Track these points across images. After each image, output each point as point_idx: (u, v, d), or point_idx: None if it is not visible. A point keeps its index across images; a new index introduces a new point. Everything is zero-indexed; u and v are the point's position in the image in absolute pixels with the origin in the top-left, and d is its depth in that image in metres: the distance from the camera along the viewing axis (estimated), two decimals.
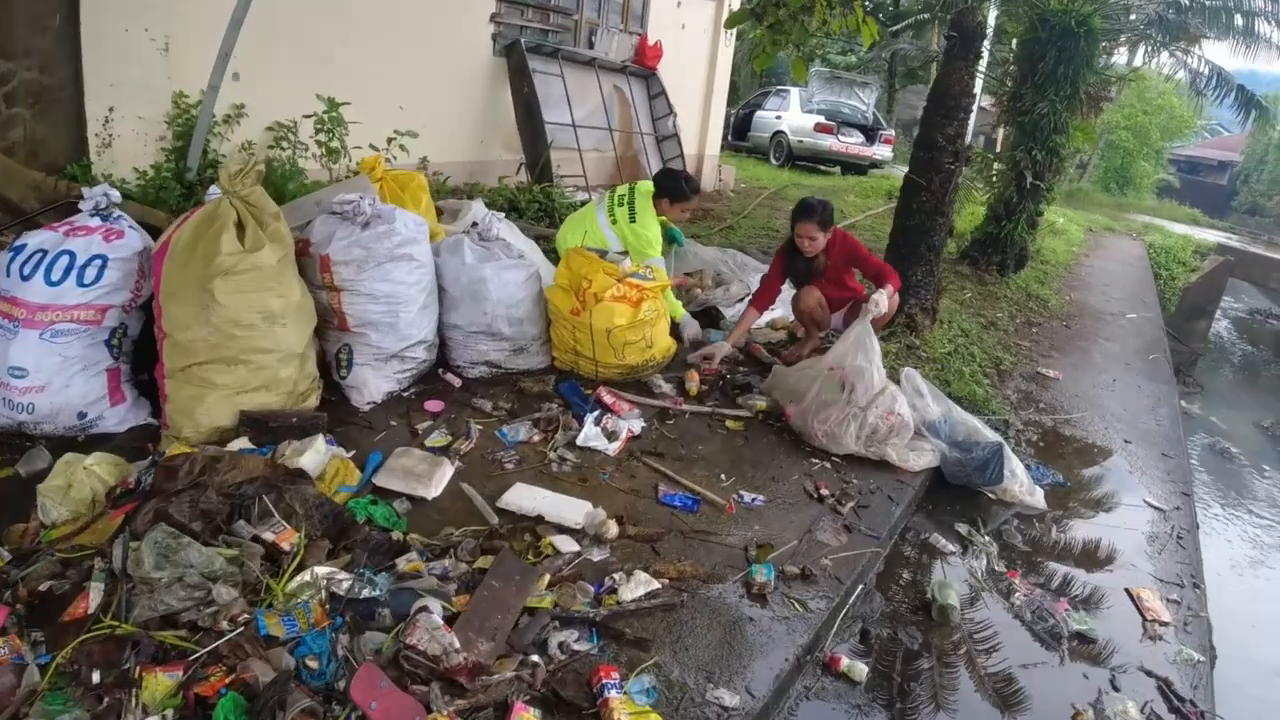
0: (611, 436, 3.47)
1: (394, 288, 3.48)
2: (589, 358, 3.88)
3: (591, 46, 8.72)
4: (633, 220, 4.75)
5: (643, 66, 9.23)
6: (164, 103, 5.21)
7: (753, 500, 3.26)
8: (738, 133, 16.85)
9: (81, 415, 3.02)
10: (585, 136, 8.18)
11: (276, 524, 2.37)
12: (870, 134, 15.80)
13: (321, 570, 2.24)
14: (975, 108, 5.39)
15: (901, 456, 3.81)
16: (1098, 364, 6.67)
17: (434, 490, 2.95)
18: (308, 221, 3.57)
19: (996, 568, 3.46)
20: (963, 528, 3.71)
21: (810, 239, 4.39)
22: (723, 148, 12.61)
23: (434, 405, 3.60)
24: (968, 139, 5.38)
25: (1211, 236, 18.48)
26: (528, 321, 3.92)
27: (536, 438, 3.44)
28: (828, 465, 3.71)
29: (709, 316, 5.17)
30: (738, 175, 12.24)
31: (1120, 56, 8.11)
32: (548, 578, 2.49)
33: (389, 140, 5.34)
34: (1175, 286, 13.72)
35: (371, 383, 3.54)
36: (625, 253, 4.64)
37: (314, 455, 2.87)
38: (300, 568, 2.26)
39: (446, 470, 3.06)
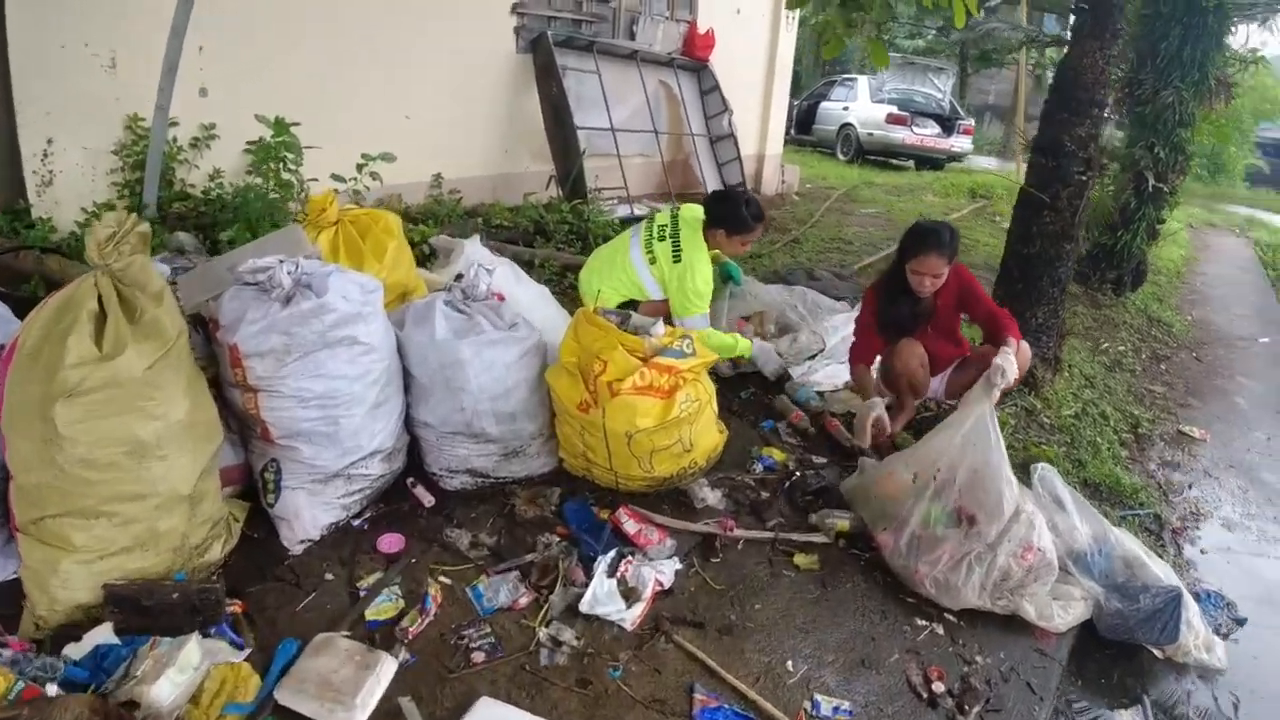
0: (630, 595, 2.45)
1: (330, 384, 2.50)
2: (604, 466, 2.86)
3: (633, 38, 7.67)
4: (676, 260, 3.73)
5: (693, 58, 8.14)
6: (114, 129, 4.39)
7: (835, 711, 2.21)
8: (801, 126, 15.64)
9: None
10: (627, 141, 7.16)
11: None
12: (947, 124, 14.44)
13: None
14: (1110, 101, 4.18)
15: (1042, 610, 2.71)
16: (1244, 414, 5.44)
17: (359, 714, 1.97)
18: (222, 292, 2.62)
19: None
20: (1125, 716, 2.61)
21: (934, 277, 3.32)
22: (785, 143, 11.49)
23: (391, 542, 2.62)
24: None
25: None
26: (523, 416, 2.91)
27: (524, 600, 2.43)
28: (938, 629, 2.63)
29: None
30: (802, 175, 11.08)
31: (1235, 36, 6.77)
32: None
33: (359, 166, 4.36)
34: None
35: (306, 513, 2.58)
36: (663, 309, 3.66)
37: (177, 676, 1.91)
38: None
39: (383, 672, 2.07)
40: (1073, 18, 4.20)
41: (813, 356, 4.14)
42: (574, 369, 2.81)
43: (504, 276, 3.55)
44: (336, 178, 4.29)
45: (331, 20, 5.17)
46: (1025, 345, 2.99)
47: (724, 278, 4.38)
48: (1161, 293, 7.92)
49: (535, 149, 6.71)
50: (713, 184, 8.05)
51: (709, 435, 2.96)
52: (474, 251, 3.62)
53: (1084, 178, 4.08)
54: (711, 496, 3.04)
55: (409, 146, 5.69)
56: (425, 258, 4.63)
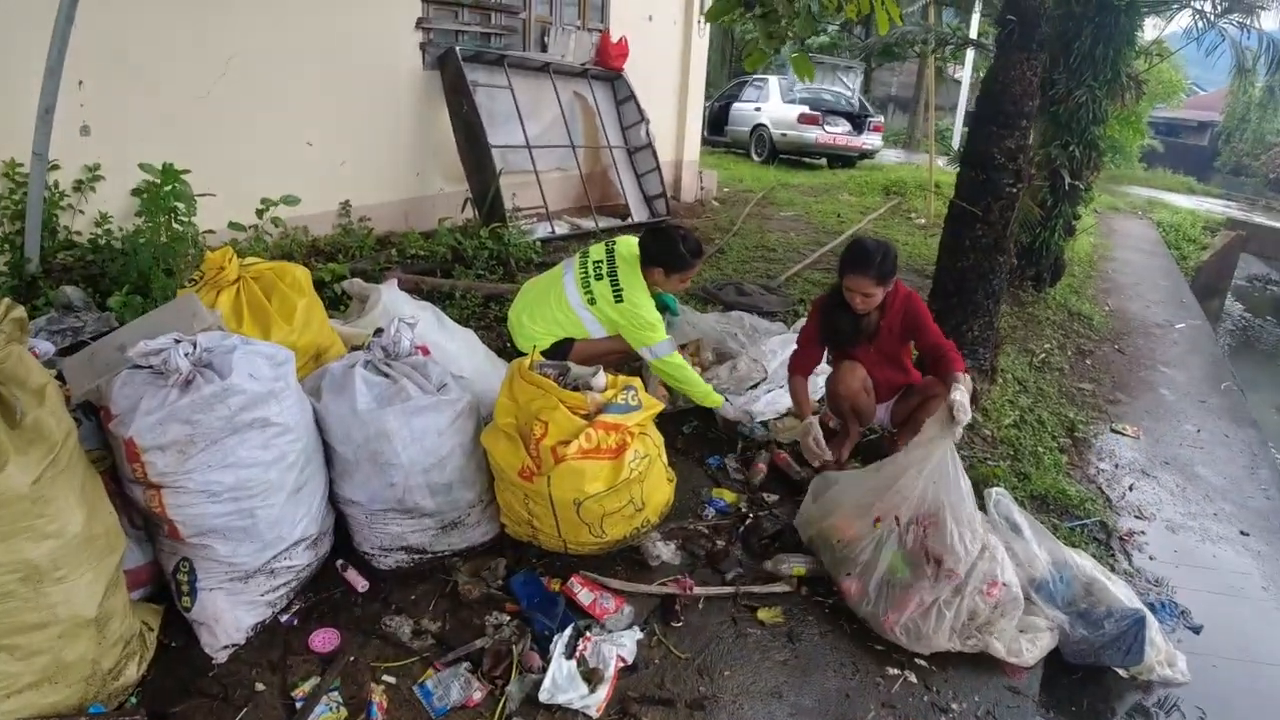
0: (592, 677, 2.27)
1: (243, 474, 2.25)
2: (551, 533, 2.67)
3: (545, 49, 7.45)
4: (618, 300, 3.54)
5: (606, 68, 7.96)
6: None
7: None
8: (714, 127, 15.57)
9: None
10: (543, 157, 6.95)
11: None
12: (858, 122, 14.55)
13: None
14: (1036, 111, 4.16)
15: (1011, 645, 2.64)
16: (1172, 406, 5.55)
17: None
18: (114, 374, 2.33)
19: None
20: None
21: (864, 295, 3.25)
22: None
23: (325, 639, 2.38)
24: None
25: (1215, 207, 17.63)
26: (459, 485, 2.69)
27: (478, 695, 2.21)
28: (911, 678, 2.53)
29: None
30: (719, 179, 11.00)
31: (1144, 31, 6.93)
32: None
33: (259, 212, 4.05)
34: (1188, 266, 12.83)
35: (227, 615, 2.31)
36: (603, 346, 3.49)
37: None
38: None
39: None
40: (997, 29, 4.16)
41: (754, 385, 4.01)
42: (512, 431, 2.61)
43: (427, 325, 3.31)
44: (235, 226, 3.97)
45: (218, 45, 4.83)
46: (968, 379, 2.91)
47: (660, 308, 4.21)
48: (1078, 284, 8.08)
49: (449, 170, 6.43)
50: (632, 196, 7.88)
51: (660, 490, 2.79)
52: (392, 300, 3.36)
53: (1014, 190, 4.05)
54: (666, 551, 2.87)
55: (313, 176, 5.41)
56: (338, 299, 4.35)
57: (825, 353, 3.63)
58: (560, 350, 3.60)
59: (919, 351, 3.40)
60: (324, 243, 5.39)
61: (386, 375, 2.68)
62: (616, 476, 2.52)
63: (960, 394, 2.77)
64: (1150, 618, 2.84)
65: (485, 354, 3.56)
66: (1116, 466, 4.45)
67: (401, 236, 5.55)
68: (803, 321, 3.78)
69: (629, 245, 3.68)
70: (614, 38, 7.99)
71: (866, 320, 3.40)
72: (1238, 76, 8.64)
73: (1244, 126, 30.61)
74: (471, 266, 5.41)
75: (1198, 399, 5.79)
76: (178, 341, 2.17)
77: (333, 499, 2.67)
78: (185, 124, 4.61)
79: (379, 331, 2.88)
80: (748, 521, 3.15)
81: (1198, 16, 6.42)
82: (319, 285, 4.52)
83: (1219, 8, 6.29)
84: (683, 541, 2.98)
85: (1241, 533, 4.01)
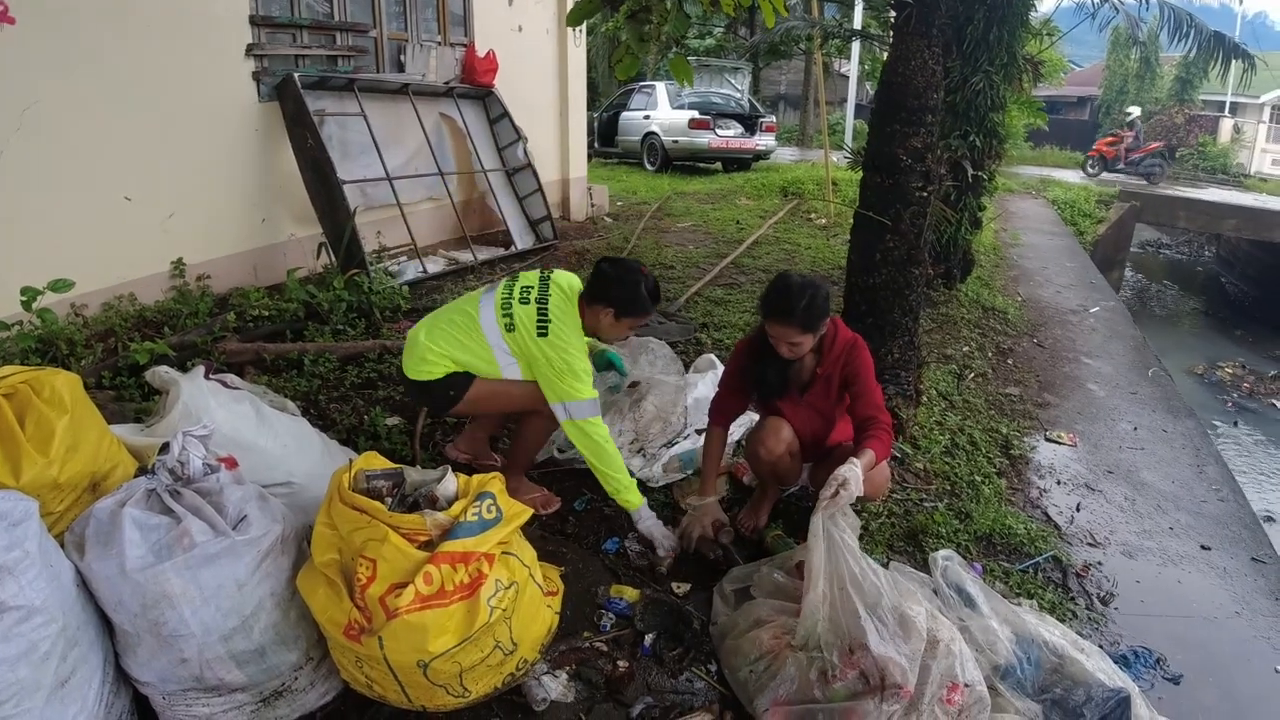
0: None
1: None
2: (399, 697, 2.05)
3: (402, 69, 6.77)
4: (542, 333, 2.83)
5: (475, 85, 7.33)
6: None
7: None
8: (604, 138, 15.07)
9: None
10: (408, 188, 6.29)
11: None
12: (749, 124, 14.21)
13: None
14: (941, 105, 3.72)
15: None
16: (1104, 403, 5.24)
17: None
18: None
19: None
20: None
21: (790, 344, 2.72)
22: (589, 158, 10.85)
23: None
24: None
25: (1106, 178, 18.02)
26: (276, 645, 2.06)
27: None
28: None
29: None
30: (611, 192, 10.47)
31: (1036, 10, 6.69)
32: None
33: (24, 303, 3.31)
34: (1085, 241, 12.93)
35: None
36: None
37: None
38: None
39: None
40: (893, 14, 3.71)
41: (671, 442, 3.45)
42: (334, 572, 1.98)
43: (242, 423, 2.66)
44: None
45: (10, 94, 4.07)
46: (885, 467, 2.43)
47: (602, 366, 3.49)
48: (987, 276, 7.83)
49: (299, 213, 5.71)
50: (514, 221, 7.27)
51: (537, 620, 2.20)
52: (193, 396, 2.65)
53: (925, 194, 3.60)
54: (554, 687, 2.28)
55: (136, 234, 4.69)
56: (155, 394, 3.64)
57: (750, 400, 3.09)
58: (453, 385, 2.92)
59: (851, 415, 2.86)
60: (153, 312, 4.64)
61: (168, 512, 2.03)
62: (472, 624, 1.92)
63: (851, 470, 2.34)
64: (1135, 695, 2.41)
65: (322, 448, 2.89)
66: (1059, 483, 4.08)
67: (245, 293, 4.81)
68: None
69: (567, 277, 3.01)
70: (480, 52, 7.37)
71: (798, 367, 2.88)
72: (1114, 50, 8.59)
73: (1123, 99, 31.64)
74: (328, 323, 4.72)
75: (1128, 391, 5.50)
76: None
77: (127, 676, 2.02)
78: None
79: (165, 447, 2.23)
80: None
81: None
82: (135, 370, 3.80)
83: None
84: (576, 667, 2.39)
85: (1203, 547, 3.69)
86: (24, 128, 4.16)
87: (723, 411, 3.04)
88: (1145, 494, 4.09)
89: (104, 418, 2.47)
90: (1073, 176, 18.07)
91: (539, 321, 2.85)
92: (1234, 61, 5.82)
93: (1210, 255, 21.31)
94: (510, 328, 2.87)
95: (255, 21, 5.42)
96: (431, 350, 2.91)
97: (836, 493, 2.30)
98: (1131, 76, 30.29)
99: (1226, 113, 28.60)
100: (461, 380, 2.93)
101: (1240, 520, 3.95)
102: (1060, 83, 25.87)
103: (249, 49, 5.38)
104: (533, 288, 2.94)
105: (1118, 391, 5.47)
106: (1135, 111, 20.08)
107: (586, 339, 3.03)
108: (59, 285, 3.26)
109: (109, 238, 4.58)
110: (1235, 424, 10.04)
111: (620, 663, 2.44)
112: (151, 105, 4.77)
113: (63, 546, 1.98)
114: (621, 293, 2.90)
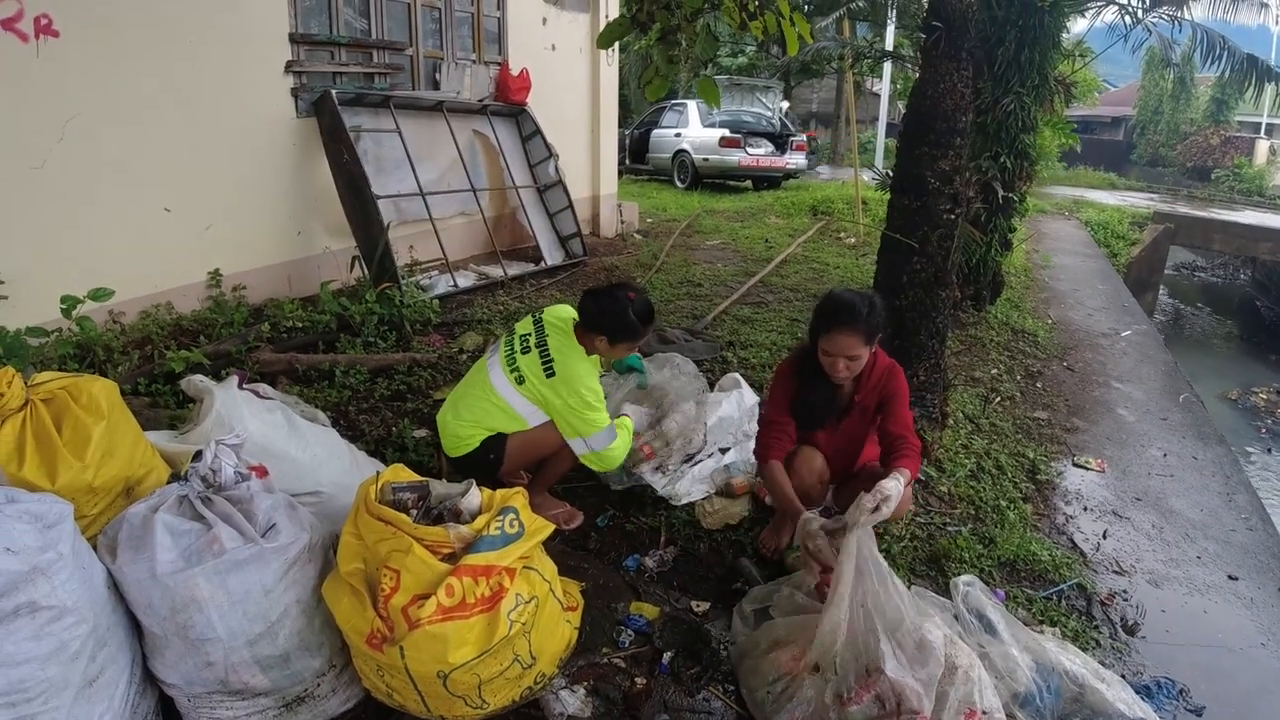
0: None
1: (14, 673, 1.68)
2: (418, 707, 2.08)
3: (437, 87, 6.89)
4: (549, 374, 2.93)
5: (508, 103, 7.44)
6: None
7: None
8: (635, 155, 15.17)
9: None
10: (441, 203, 6.38)
11: None
12: (780, 142, 14.25)
13: None
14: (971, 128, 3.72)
15: None
16: (1133, 429, 5.17)
17: None
18: None
19: None
20: None
21: (849, 359, 2.66)
22: (620, 175, 10.92)
23: None
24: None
25: (1139, 201, 17.82)
26: (300, 652, 2.10)
27: None
28: None
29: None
30: (641, 209, 10.53)
31: (1068, 31, 6.67)
32: None
33: (64, 310, 3.40)
34: (1119, 263, 12.78)
35: None
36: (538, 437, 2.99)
37: None
38: None
39: None
40: (922, 36, 3.72)
41: (692, 458, 3.46)
42: (359, 581, 2.03)
43: (273, 432, 2.72)
44: (34, 332, 3.29)
45: (52, 106, 4.19)
46: (908, 490, 2.43)
47: (624, 370, 3.66)
48: (1017, 297, 7.77)
49: (334, 226, 5.82)
50: (544, 237, 7.34)
51: (556, 635, 2.23)
52: (227, 405, 2.73)
53: (952, 216, 3.60)
54: (572, 702, 2.31)
55: (174, 244, 4.79)
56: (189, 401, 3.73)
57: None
58: (490, 449, 3.01)
59: (879, 434, 2.83)
60: (189, 321, 4.74)
61: (200, 519, 2.08)
62: (492, 637, 1.95)
63: (895, 483, 2.31)
64: None
65: (350, 458, 2.95)
66: (1086, 509, 4.02)
67: (279, 304, 4.91)
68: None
69: (557, 312, 3.10)
70: (514, 70, 7.48)
71: (840, 393, 2.86)
72: (1149, 70, 8.54)
73: (1157, 119, 31.40)
74: (359, 335, 4.80)
75: (1159, 416, 5.43)
76: None
77: (153, 677, 2.07)
78: (7, 202, 3.98)
79: (198, 455, 2.28)
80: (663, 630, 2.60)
81: (1123, 13, 6.11)
82: (171, 378, 3.89)
83: (1146, 3, 6.00)
84: (593, 682, 2.42)
85: (1230, 577, 3.61)
86: (66, 138, 4.28)
87: (776, 443, 2.86)
88: (1173, 522, 4.04)
89: (139, 424, 2.55)
90: (1106, 197, 17.90)
91: (544, 365, 2.96)
92: (1268, 85, 5.76)
93: (1245, 278, 20.98)
94: (520, 380, 2.98)
95: (294, 39, 5.55)
96: (463, 425, 3.02)
97: (878, 506, 2.28)
98: (1166, 97, 30.04)
99: (1262, 134, 28.22)
100: (496, 443, 3.02)
101: (1269, 550, 3.89)
102: (1094, 103, 25.64)
103: (288, 65, 5.50)
104: (530, 334, 3.05)
105: (1148, 417, 5.40)
106: None
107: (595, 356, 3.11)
108: (99, 294, 3.35)
109: (148, 247, 4.69)
110: (1270, 450, 9.85)
111: (638, 680, 2.46)
112: (191, 119, 4.89)
113: (95, 549, 2.03)
114: (608, 323, 2.98)
